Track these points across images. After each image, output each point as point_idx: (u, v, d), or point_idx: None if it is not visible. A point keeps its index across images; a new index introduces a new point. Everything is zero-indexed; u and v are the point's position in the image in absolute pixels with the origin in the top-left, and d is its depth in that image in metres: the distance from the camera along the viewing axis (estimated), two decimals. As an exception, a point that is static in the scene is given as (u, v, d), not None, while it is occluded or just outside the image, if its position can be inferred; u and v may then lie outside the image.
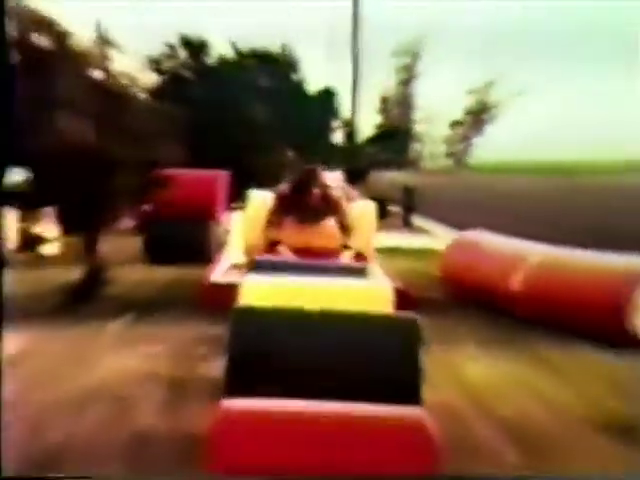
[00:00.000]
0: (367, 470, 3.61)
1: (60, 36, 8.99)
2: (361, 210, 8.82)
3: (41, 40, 9.00)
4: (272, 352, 4.34)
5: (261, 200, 8.94)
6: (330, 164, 27.19)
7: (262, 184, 14.55)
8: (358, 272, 7.28)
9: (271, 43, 29.08)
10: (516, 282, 8.58)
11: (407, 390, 4.19)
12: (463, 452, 4.70)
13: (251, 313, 4.76)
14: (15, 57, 9.25)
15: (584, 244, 9.00)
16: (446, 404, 5.27)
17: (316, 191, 8.24)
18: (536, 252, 8.92)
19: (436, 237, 15.65)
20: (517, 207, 22.19)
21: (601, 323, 7.57)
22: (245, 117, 25.03)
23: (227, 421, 3.74)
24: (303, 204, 8.20)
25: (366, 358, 4.36)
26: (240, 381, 4.20)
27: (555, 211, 21.28)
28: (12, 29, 9.31)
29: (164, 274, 10.12)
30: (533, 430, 5.27)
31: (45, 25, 9.00)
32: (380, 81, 47.05)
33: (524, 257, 8.84)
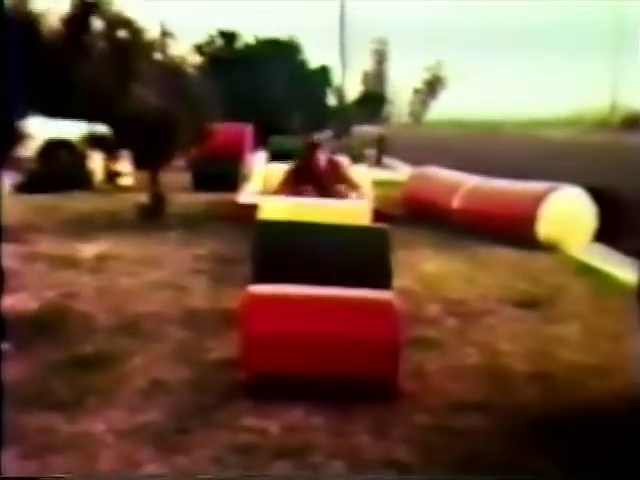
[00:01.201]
0: (355, 334, 3.63)
1: (135, 31, 8.94)
2: (359, 172, 8.29)
3: (123, 34, 8.97)
4: (284, 252, 4.32)
5: (277, 167, 8.32)
6: (325, 121, 27.12)
7: (276, 134, 14.51)
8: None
9: (282, 34, 28.97)
10: (456, 202, 8.58)
11: (381, 279, 4.18)
12: (418, 321, 4.73)
13: (269, 225, 4.76)
14: (104, 46, 9.19)
15: (503, 176, 9.00)
16: (407, 289, 5.27)
17: (321, 158, 7.40)
18: (470, 181, 8.95)
19: (400, 172, 15.53)
20: (457, 151, 22.01)
21: (516, 230, 7.57)
22: (264, 87, 24.81)
23: (252, 300, 3.75)
24: (313, 169, 7.40)
25: (353, 257, 4.34)
26: (261, 273, 4.19)
27: (484, 153, 21.13)
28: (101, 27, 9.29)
29: (206, 198, 10.06)
30: (466, 306, 5.31)
31: (126, 23, 8.97)
32: (362, 60, 46.69)
33: (461, 184, 8.84)
